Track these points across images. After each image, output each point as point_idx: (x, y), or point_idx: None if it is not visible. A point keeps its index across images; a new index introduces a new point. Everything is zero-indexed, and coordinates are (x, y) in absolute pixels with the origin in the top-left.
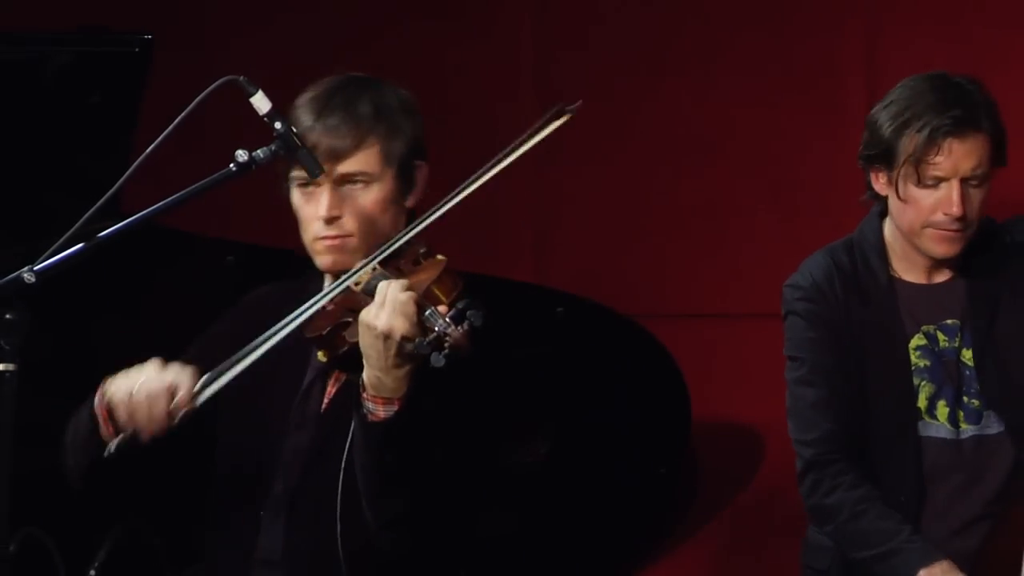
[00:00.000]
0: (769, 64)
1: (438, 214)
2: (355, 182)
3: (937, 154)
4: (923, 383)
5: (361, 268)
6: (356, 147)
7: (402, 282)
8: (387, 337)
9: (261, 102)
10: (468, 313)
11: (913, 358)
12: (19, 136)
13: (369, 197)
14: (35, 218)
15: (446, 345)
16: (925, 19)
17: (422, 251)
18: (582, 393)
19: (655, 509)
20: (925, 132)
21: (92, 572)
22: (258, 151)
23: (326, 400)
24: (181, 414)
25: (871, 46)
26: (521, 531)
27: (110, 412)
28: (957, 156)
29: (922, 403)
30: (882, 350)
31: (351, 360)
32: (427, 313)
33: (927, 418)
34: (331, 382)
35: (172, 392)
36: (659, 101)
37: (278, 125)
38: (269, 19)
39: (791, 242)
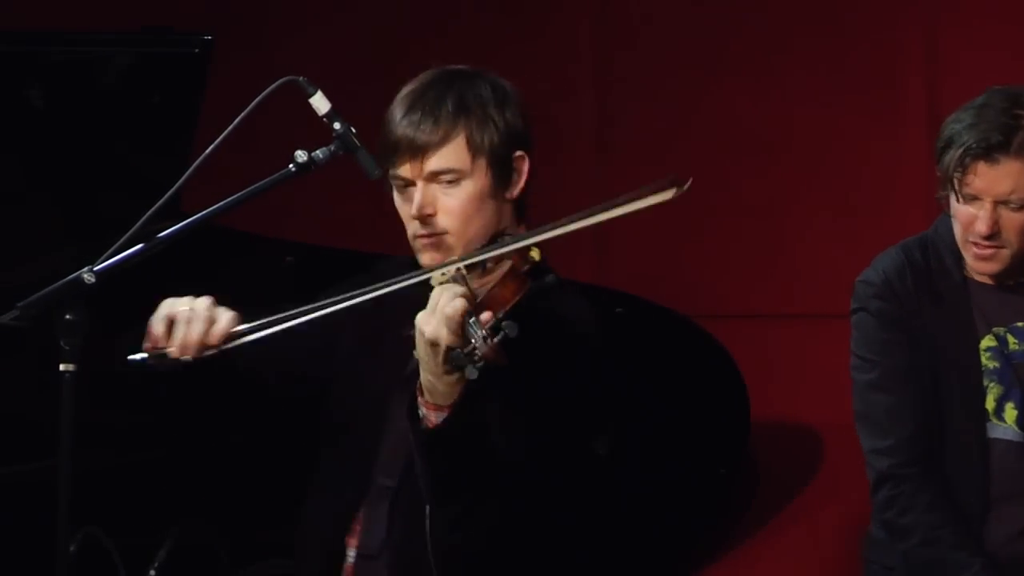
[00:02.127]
0: (828, 64)
1: (537, 238)
2: (445, 179)
3: (966, 174)
4: (991, 385)
5: (443, 266)
6: (440, 142)
7: (455, 290)
8: (434, 344)
9: (320, 102)
10: (503, 324)
11: (983, 359)
12: (81, 136)
13: (461, 194)
14: (95, 218)
15: (476, 357)
16: (985, 19)
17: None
18: (642, 394)
19: (715, 509)
20: (959, 152)
21: (152, 572)
22: (317, 151)
23: None
24: (213, 348)
25: (931, 46)
26: (581, 530)
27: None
28: (988, 179)
29: (990, 405)
30: (952, 350)
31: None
32: (470, 323)
33: (995, 420)
34: None
35: (211, 322)
36: (718, 100)
37: (337, 125)
38: (328, 19)
39: (850, 242)
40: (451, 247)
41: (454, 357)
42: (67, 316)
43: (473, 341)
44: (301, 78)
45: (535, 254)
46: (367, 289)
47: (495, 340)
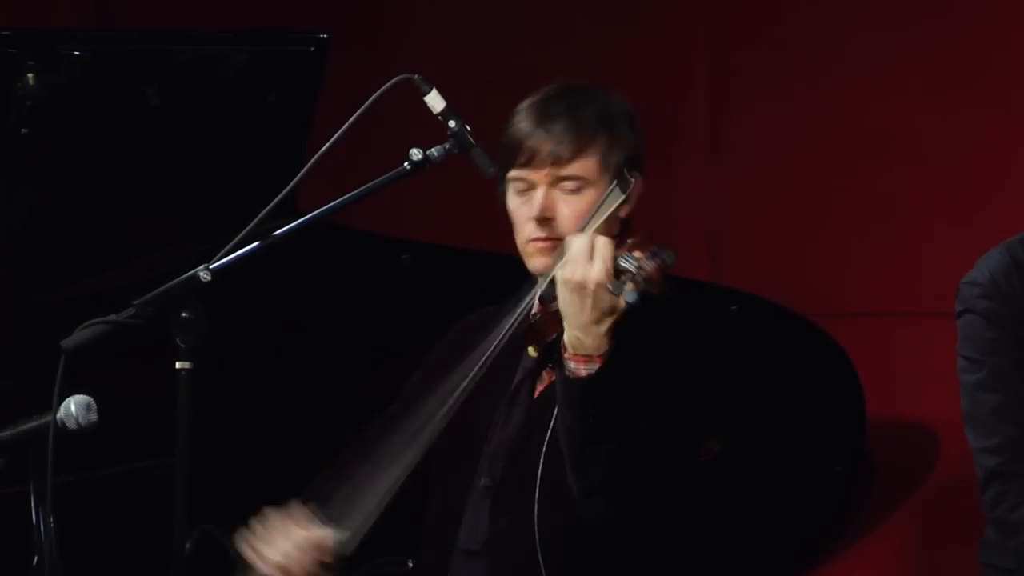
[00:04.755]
0: (948, 65)
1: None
2: (569, 187)
3: None
4: None
5: (555, 268)
6: (577, 153)
7: (591, 232)
8: (583, 287)
9: (435, 100)
10: (662, 252)
11: None
12: (197, 135)
13: (582, 202)
14: (211, 216)
15: (640, 279)
16: None
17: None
18: (757, 391)
19: (831, 507)
20: None
21: None
22: (432, 150)
23: (536, 395)
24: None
25: None
26: (696, 529)
27: None
28: None
29: None
30: None
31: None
32: (621, 258)
33: None
34: (540, 383)
35: (319, 549)
36: (834, 101)
37: (452, 123)
38: (444, 18)
39: (968, 241)
40: None
41: (612, 289)
42: (183, 314)
43: (630, 268)
44: (416, 76)
45: None
46: (477, 362)
47: (656, 262)
